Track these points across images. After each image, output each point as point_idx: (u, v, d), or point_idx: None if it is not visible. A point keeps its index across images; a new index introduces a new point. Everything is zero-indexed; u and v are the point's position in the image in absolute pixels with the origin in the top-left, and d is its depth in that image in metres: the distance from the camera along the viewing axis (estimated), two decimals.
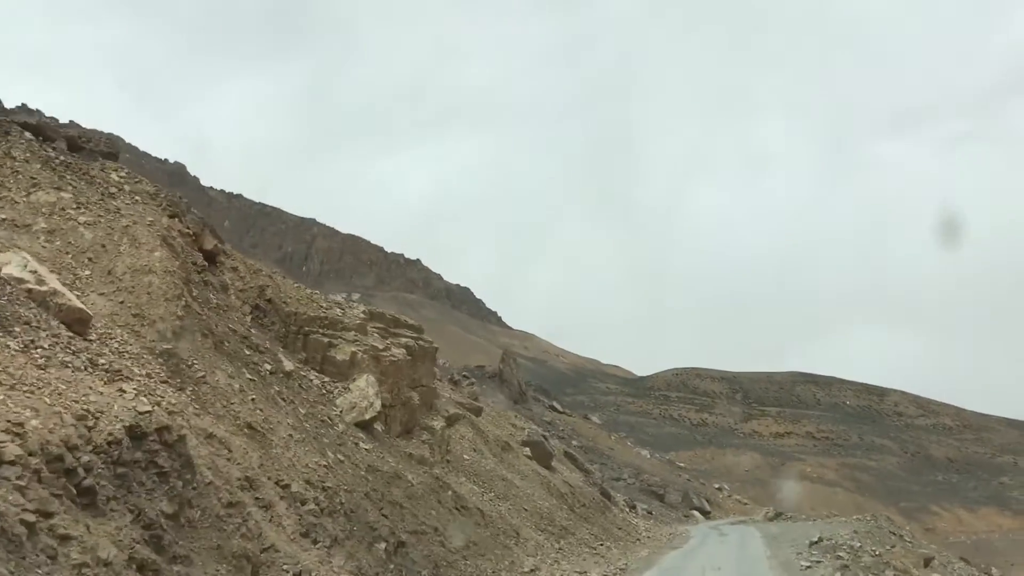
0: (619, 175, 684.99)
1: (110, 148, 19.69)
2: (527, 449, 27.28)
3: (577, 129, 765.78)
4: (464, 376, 64.43)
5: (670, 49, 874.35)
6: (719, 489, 78.76)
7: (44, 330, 10.49)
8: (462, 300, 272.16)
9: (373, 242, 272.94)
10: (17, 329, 10.07)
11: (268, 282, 20.33)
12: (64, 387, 9.06)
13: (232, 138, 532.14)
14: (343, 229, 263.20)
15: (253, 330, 18.19)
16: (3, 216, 13.64)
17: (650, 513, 54.79)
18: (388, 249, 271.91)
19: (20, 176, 14.77)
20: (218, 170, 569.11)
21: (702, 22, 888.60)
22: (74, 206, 14.72)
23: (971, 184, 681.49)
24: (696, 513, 60.80)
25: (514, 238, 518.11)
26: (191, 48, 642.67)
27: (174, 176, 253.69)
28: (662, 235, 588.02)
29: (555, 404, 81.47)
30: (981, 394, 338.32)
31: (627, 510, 37.10)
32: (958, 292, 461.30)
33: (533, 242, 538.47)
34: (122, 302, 13.26)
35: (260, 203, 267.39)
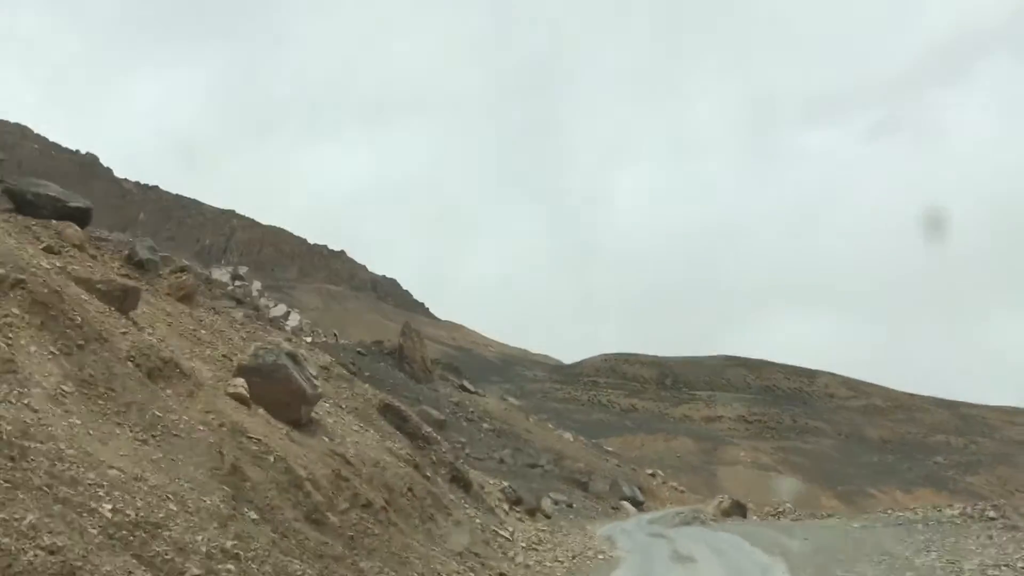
0: (547, 164, 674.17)
1: None
2: (240, 383, 12.13)
3: (506, 118, 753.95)
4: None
5: (597, 37, 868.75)
6: (652, 475, 66.80)
7: None
8: (388, 292, 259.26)
9: (296, 234, 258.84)
10: None
11: None
12: None
13: (150, 128, 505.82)
14: (265, 221, 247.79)
15: None
16: None
17: (570, 506, 42.39)
18: (312, 241, 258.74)
19: None
20: (134, 162, 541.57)
21: (628, 11, 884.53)
22: None
23: (891, 170, 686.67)
24: (627, 504, 48.62)
25: (443, 229, 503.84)
26: (107, 36, 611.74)
27: (85, 167, 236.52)
28: (590, 223, 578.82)
29: (465, 383, 68.76)
30: (907, 376, 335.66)
31: (504, 507, 24.35)
32: (881, 277, 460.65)
33: (462, 233, 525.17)
34: None
35: (177, 195, 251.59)
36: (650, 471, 68.64)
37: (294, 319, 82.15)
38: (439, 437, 20.65)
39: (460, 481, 18.77)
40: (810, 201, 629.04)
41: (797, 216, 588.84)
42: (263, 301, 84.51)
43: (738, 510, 32.71)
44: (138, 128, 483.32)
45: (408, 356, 65.45)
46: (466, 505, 17.05)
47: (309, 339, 68.79)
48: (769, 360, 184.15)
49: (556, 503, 42.33)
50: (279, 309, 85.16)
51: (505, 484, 25.45)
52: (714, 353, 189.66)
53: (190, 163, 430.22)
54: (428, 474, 15.55)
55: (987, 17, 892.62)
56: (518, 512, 23.92)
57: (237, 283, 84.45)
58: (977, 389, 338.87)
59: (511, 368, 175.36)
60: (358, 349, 67.62)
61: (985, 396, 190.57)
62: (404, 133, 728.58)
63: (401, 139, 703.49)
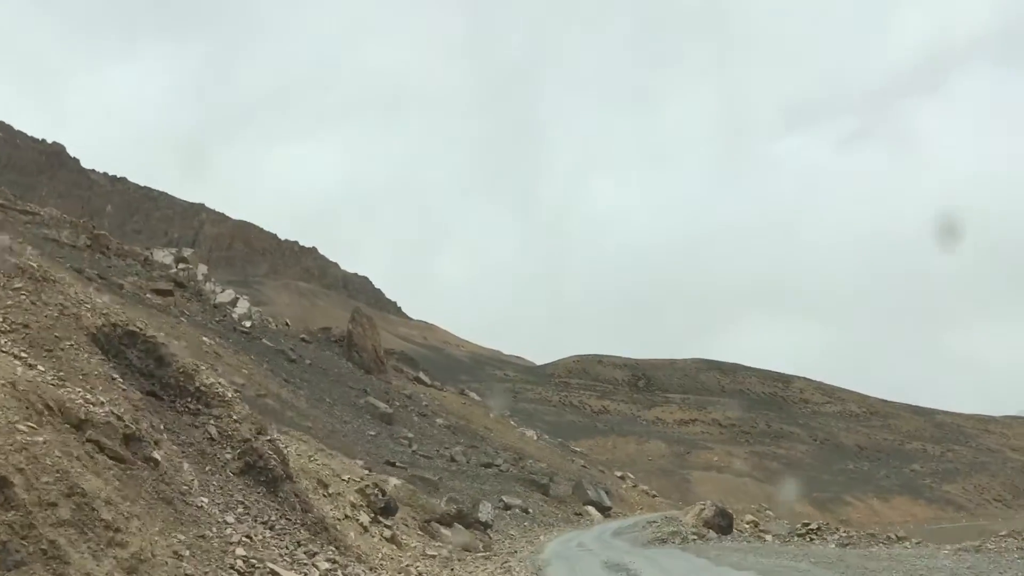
0: (522, 168, 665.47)
1: None
2: None
3: (481, 122, 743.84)
4: None
5: (573, 44, 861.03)
6: (623, 478, 60.46)
7: None
8: (359, 290, 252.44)
9: (267, 230, 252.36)
10: None
11: None
12: None
13: (120, 119, 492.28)
14: (235, 215, 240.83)
15: None
16: None
17: (525, 512, 36.12)
18: (283, 237, 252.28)
19: None
20: (102, 153, 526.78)
21: (603, 19, 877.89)
22: None
23: (865, 182, 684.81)
24: (591, 509, 42.30)
25: (417, 230, 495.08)
26: (79, 24, 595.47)
27: (52, 157, 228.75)
28: (563, 228, 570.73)
29: (421, 375, 62.22)
30: (879, 383, 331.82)
31: (362, 519, 16.84)
32: (853, 285, 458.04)
33: (436, 234, 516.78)
34: None
35: (146, 187, 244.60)
36: (620, 474, 62.39)
37: (242, 306, 75.75)
38: (236, 399, 12.95)
39: (261, 473, 12.00)
40: (785, 209, 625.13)
41: (771, 223, 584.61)
42: (209, 286, 78.02)
43: (722, 519, 26.47)
44: (108, 119, 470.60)
45: (358, 344, 58.96)
46: (252, 515, 10.56)
47: (248, 323, 62.12)
48: (743, 364, 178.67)
49: (508, 508, 35.98)
50: (226, 295, 78.68)
51: (367, 483, 18.14)
52: (688, 356, 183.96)
53: (160, 156, 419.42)
54: (156, 455, 9.18)
55: (964, 28, 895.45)
56: (386, 526, 17.05)
57: (181, 266, 77.70)
58: (948, 397, 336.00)
59: (482, 368, 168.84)
60: (302, 336, 61.10)
61: (956, 404, 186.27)
62: (379, 132, 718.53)
63: (376, 138, 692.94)
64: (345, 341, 59.49)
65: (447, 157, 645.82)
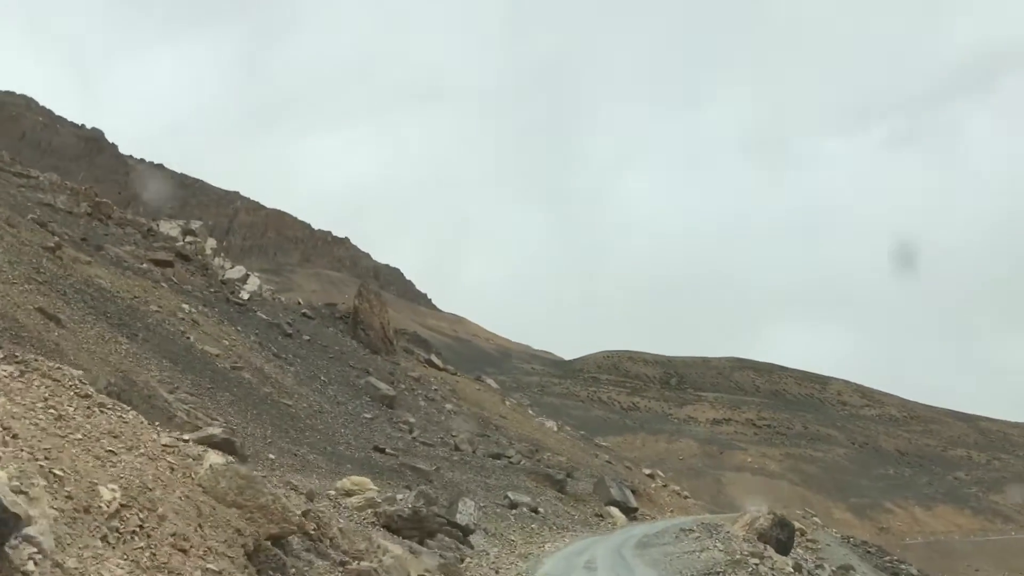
0: (555, 163, 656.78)
1: None
2: None
3: (514, 116, 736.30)
4: None
5: (612, 38, 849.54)
6: (651, 476, 53.92)
7: None
8: (390, 280, 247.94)
9: (300, 219, 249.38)
10: None
11: None
12: None
13: (159, 106, 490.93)
14: (269, 205, 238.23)
15: None
16: None
17: (535, 511, 30.01)
18: (316, 227, 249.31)
19: None
20: (142, 139, 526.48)
21: (643, 14, 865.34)
22: None
23: (910, 185, 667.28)
24: (614, 511, 35.95)
25: (450, 224, 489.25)
26: (120, 13, 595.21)
27: (91, 143, 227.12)
28: (596, 224, 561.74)
29: (433, 358, 56.21)
30: (918, 388, 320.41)
31: None
32: (891, 289, 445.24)
33: (468, 228, 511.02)
34: None
35: (182, 174, 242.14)
36: (648, 471, 55.86)
37: (253, 283, 70.45)
38: None
39: None
40: (822, 209, 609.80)
41: (810, 224, 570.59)
42: (217, 261, 72.88)
43: (781, 532, 19.92)
44: (147, 106, 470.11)
45: (364, 321, 53.04)
46: None
47: (246, 296, 56.58)
48: (779, 364, 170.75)
49: (514, 506, 29.77)
50: (236, 271, 73.46)
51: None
52: (721, 355, 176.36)
53: (197, 143, 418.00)
54: None
55: (1013, 31, 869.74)
56: None
57: (188, 239, 72.57)
58: (988, 404, 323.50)
59: (508, 360, 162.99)
60: (304, 311, 55.31)
61: (999, 412, 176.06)
62: (415, 126, 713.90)
63: (411, 132, 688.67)
64: (350, 318, 53.69)
65: (480, 151, 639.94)
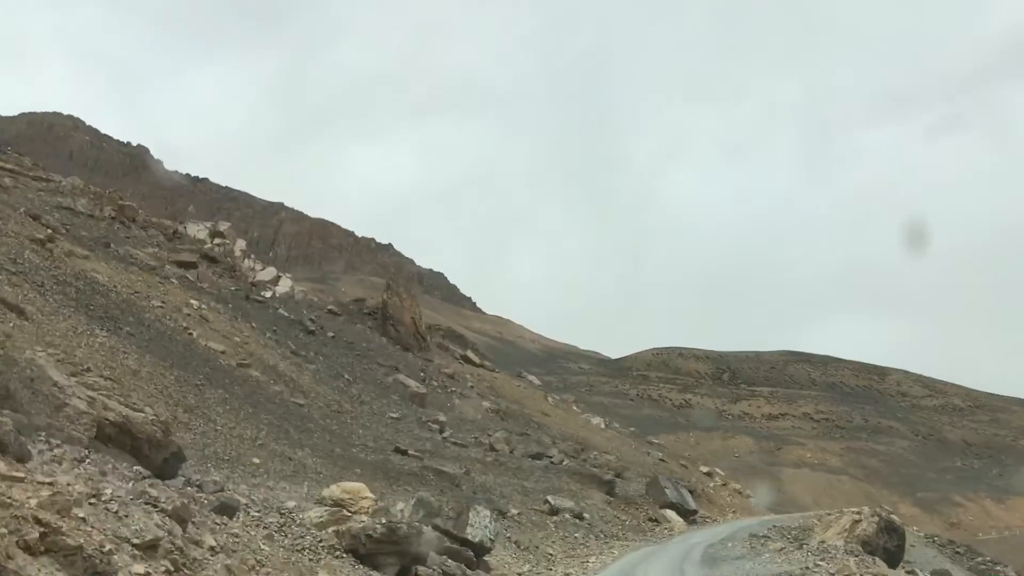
0: (597, 161, 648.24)
1: None
2: None
3: (554, 116, 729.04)
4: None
5: (650, 35, 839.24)
6: (709, 475, 49.15)
7: None
8: (435, 285, 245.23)
9: (344, 227, 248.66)
10: None
11: None
12: None
13: (202, 122, 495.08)
14: (313, 214, 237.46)
15: None
16: None
17: (579, 518, 25.82)
18: (360, 235, 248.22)
19: None
20: (186, 154, 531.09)
21: (681, 6, 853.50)
22: None
23: (958, 170, 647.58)
24: (670, 514, 31.49)
25: (493, 226, 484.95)
26: (162, 29, 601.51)
27: (136, 159, 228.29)
28: (641, 221, 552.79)
29: (469, 353, 52.12)
30: (982, 377, 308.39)
31: None
32: (943, 279, 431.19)
33: (512, 231, 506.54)
34: None
35: (227, 187, 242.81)
36: (706, 469, 51.11)
37: (284, 284, 67.44)
38: None
39: None
40: (870, 199, 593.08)
41: (857, 213, 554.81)
42: (247, 263, 70.01)
43: (889, 540, 15.33)
44: (191, 122, 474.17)
45: (394, 316, 49.17)
46: None
47: (267, 294, 53.34)
48: (834, 356, 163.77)
49: (555, 512, 25.51)
50: (267, 273, 70.63)
51: None
52: (774, 349, 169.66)
53: (240, 156, 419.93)
54: None
55: None
56: None
57: (216, 241, 69.71)
58: None
59: (555, 360, 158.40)
60: (330, 307, 51.61)
61: None
62: (454, 129, 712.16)
63: (451, 136, 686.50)
64: (379, 314, 49.88)
65: (521, 152, 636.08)
